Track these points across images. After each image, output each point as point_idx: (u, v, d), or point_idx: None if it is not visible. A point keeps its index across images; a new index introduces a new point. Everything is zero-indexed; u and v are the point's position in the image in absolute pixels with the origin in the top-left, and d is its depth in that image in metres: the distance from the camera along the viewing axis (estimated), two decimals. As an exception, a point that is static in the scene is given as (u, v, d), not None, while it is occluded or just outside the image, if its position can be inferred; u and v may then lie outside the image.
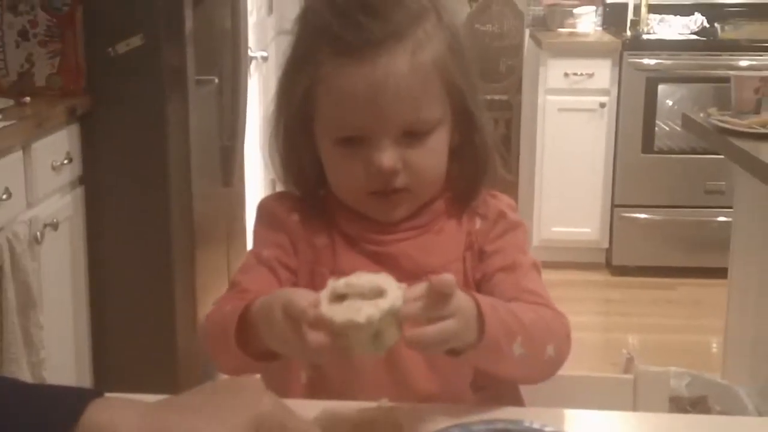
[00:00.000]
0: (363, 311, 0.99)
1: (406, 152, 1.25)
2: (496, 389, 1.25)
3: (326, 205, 1.34)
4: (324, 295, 1.02)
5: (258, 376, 1.20)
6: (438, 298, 1.02)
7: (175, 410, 0.86)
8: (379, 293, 1.01)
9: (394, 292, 1.01)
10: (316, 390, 1.25)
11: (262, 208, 1.37)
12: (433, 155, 1.28)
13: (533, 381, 1.23)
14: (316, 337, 1.00)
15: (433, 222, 1.32)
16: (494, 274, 1.28)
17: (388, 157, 1.24)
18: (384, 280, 1.03)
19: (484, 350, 1.10)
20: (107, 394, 0.87)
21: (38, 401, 0.85)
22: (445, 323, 1.02)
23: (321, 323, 1.00)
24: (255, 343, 1.12)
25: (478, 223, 1.33)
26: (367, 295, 1.01)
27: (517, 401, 1.27)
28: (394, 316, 1.00)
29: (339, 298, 1.01)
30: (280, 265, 1.29)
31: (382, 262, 1.27)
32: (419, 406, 1.14)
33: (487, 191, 1.35)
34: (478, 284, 1.30)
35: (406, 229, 1.31)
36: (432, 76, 1.25)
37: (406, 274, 1.14)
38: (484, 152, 1.32)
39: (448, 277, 1.04)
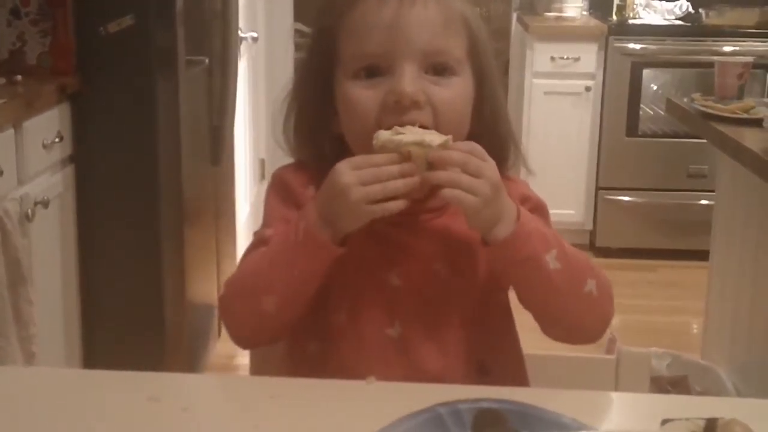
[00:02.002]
0: (427, 136, 1.12)
1: (430, 87, 1.20)
2: (502, 372, 1.25)
3: None
4: (382, 132, 1.14)
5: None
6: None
7: None
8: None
9: (447, 137, 1.14)
10: (322, 363, 1.24)
11: (277, 178, 1.33)
12: (458, 97, 1.22)
13: (574, 317, 1.20)
14: (388, 156, 1.10)
15: (447, 207, 1.25)
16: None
17: (410, 84, 1.18)
18: (434, 132, 1.15)
19: (517, 244, 1.14)
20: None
21: None
22: (463, 176, 1.11)
23: (389, 148, 1.10)
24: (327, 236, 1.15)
25: None
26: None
27: (524, 385, 1.27)
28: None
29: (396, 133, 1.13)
30: None
31: (399, 246, 1.23)
32: (409, 385, 1.15)
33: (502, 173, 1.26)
34: None
35: (422, 212, 1.25)
36: (459, 24, 1.23)
37: (424, 260, 1.19)
38: (500, 128, 1.29)
39: (478, 147, 1.13)
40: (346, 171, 1.12)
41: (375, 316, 1.22)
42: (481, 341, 1.25)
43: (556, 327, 1.24)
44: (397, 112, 1.18)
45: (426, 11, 1.20)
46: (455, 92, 1.22)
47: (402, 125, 1.17)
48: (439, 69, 1.21)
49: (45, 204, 2.59)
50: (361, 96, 1.21)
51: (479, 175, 1.12)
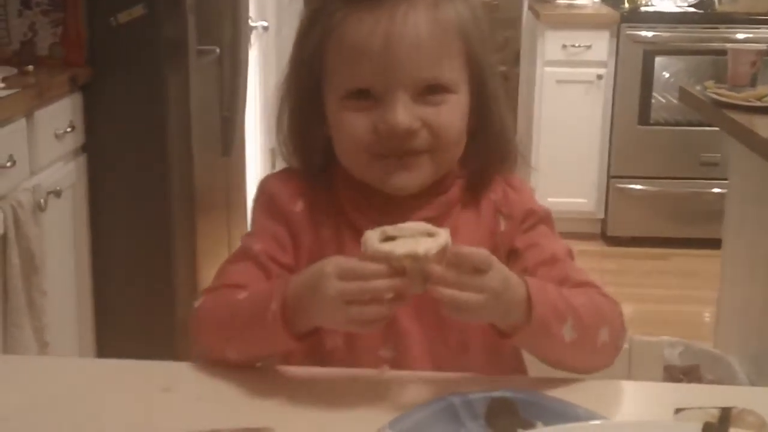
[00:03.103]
0: (421, 244, 1.01)
1: (424, 110, 1.15)
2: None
3: (334, 187, 1.24)
4: (372, 236, 1.03)
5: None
6: (470, 271, 1.02)
7: None
8: (428, 234, 1.03)
9: (443, 233, 1.03)
10: (313, 354, 1.20)
11: (264, 190, 1.27)
12: (455, 116, 1.18)
13: (587, 369, 1.16)
14: (378, 267, 1.00)
15: (447, 215, 1.22)
16: (536, 270, 1.20)
17: (403, 114, 1.13)
18: (425, 225, 1.05)
19: (533, 332, 1.08)
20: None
21: None
22: (464, 294, 1.01)
23: (379, 258, 1.01)
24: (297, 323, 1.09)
25: (502, 225, 1.24)
26: (417, 236, 1.03)
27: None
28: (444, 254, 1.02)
29: (388, 239, 1.03)
30: (269, 260, 1.21)
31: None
32: (423, 375, 1.15)
33: (504, 179, 1.26)
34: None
35: (418, 219, 1.16)
36: (453, 37, 1.17)
37: None
38: (502, 133, 1.24)
39: (484, 254, 1.03)
40: (331, 274, 1.03)
41: (370, 339, 1.18)
42: (479, 361, 1.21)
43: (567, 371, 1.20)
44: (390, 140, 1.14)
45: (418, 31, 1.14)
46: (451, 112, 1.17)
47: (397, 153, 1.13)
48: (432, 89, 1.16)
49: (57, 194, 2.60)
50: (352, 121, 1.16)
51: (482, 291, 1.02)
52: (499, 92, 1.24)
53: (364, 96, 1.16)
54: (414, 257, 1.01)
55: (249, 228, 1.29)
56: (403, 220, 1.14)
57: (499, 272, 1.05)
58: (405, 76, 1.14)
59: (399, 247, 1.02)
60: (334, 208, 1.23)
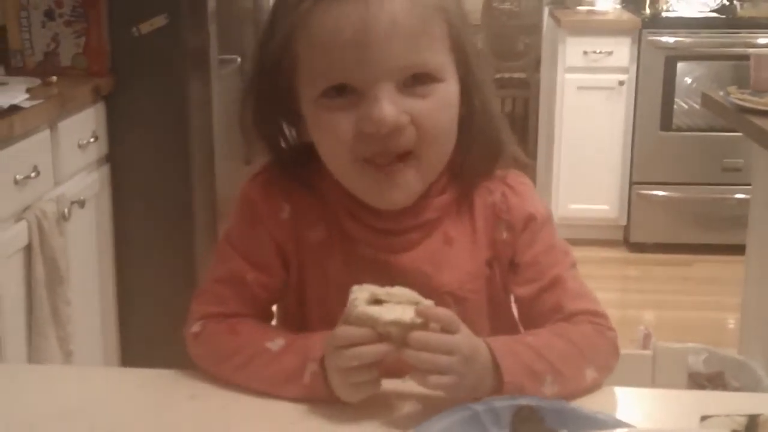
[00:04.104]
0: (407, 313, 1.00)
1: (410, 103, 1.05)
2: None
3: (321, 189, 1.16)
4: (360, 297, 1.02)
5: None
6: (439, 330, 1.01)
7: None
8: (414, 303, 1.02)
9: (427, 303, 1.03)
10: None
11: (246, 200, 1.18)
12: (443, 107, 1.07)
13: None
14: (361, 332, 0.99)
15: (440, 221, 1.16)
16: (533, 298, 1.17)
17: (389, 108, 1.02)
18: (413, 293, 1.04)
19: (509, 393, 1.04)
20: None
21: None
22: (435, 356, 1.00)
23: (365, 321, 0.99)
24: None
25: (503, 234, 1.18)
26: (403, 304, 1.02)
27: None
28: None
29: (376, 303, 1.02)
30: (261, 289, 1.18)
31: (388, 274, 1.12)
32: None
33: (501, 180, 1.19)
34: (514, 301, 1.21)
35: (412, 228, 1.15)
36: (434, 18, 1.06)
37: (413, 290, 1.05)
38: (491, 125, 1.15)
39: (451, 316, 1.01)
40: (329, 342, 1.04)
41: None
42: None
43: None
44: (376, 139, 1.04)
45: (395, 14, 1.02)
46: (439, 102, 1.07)
47: (384, 153, 1.05)
48: (418, 78, 1.06)
49: (81, 204, 2.61)
50: (332, 122, 1.06)
51: (451, 352, 1.00)
52: (486, 80, 1.15)
53: (342, 92, 1.05)
54: (400, 325, 1.00)
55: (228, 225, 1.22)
56: (398, 224, 1.12)
57: (467, 336, 1.03)
58: (386, 65, 1.03)
59: (386, 313, 1.00)
60: (322, 212, 1.16)
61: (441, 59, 1.08)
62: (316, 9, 1.04)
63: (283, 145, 1.17)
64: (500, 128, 1.17)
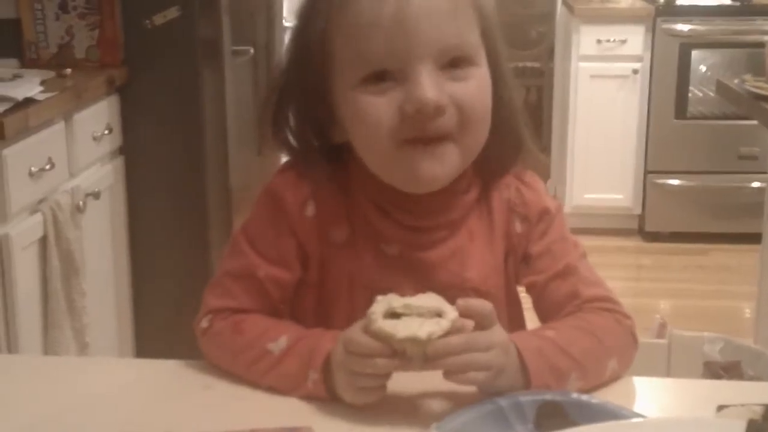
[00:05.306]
0: (424, 328, 0.98)
1: (450, 85, 1.06)
2: None
3: (349, 188, 1.16)
4: (377, 310, 1.01)
5: None
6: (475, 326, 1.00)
7: None
8: (437, 314, 1.01)
9: (451, 313, 1.01)
10: None
11: (272, 192, 1.17)
12: (481, 90, 1.09)
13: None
14: (378, 346, 0.99)
15: (465, 218, 1.17)
16: (547, 284, 1.17)
17: (431, 88, 1.03)
18: (439, 300, 1.02)
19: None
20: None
21: None
22: (473, 355, 0.99)
23: (381, 336, 0.99)
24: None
25: (518, 227, 1.19)
26: (424, 315, 1.00)
27: None
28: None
29: (394, 315, 1.01)
30: (274, 286, 1.17)
31: (415, 271, 1.13)
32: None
33: (515, 174, 1.20)
34: (528, 290, 1.21)
35: (440, 225, 1.16)
36: (467, 5, 1.08)
37: (440, 288, 1.06)
38: (516, 119, 1.16)
39: (488, 307, 1.01)
40: (340, 342, 1.04)
41: None
42: None
43: None
44: (418, 121, 1.04)
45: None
46: (478, 85, 1.08)
47: (425, 136, 1.05)
48: (456, 62, 1.06)
49: (96, 195, 2.62)
50: (372, 105, 1.06)
51: (489, 348, 1.00)
52: (510, 77, 1.16)
53: (382, 79, 1.06)
54: (415, 341, 0.99)
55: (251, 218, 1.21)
56: (427, 221, 1.12)
57: (501, 330, 1.03)
58: (426, 47, 1.04)
59: (401, 330, 0.99)
60: (349, 211, 1.16)
61: (475, 42, 1.09)
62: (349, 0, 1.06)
63: (314, 142, 1.16)
64: (520, 125, 1.18)
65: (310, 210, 1.16)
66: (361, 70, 1.06)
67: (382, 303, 1.02)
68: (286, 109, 1.16)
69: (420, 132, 1.05)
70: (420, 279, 1.05)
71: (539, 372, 1.04)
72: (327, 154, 1.16)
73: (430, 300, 1.02)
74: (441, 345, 0.98)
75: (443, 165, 1.08)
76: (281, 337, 1.11)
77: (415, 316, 1.00)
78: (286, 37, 3.85)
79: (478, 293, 1.14)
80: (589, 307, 1.15)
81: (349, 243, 1.16)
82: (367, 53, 1.05)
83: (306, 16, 1.12)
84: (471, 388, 1.03)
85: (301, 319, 1.18)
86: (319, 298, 1.20)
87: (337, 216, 1.16)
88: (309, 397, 1.08)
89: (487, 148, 1.13)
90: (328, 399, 1.06)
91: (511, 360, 1.03)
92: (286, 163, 1.21)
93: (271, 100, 1.17)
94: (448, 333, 0.99)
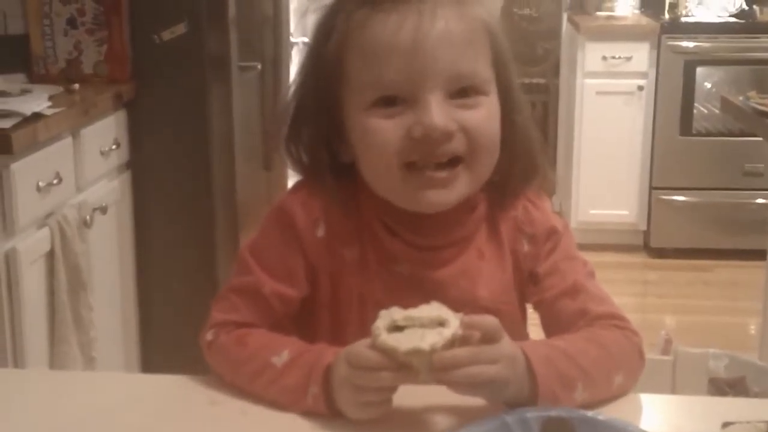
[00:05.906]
0: (427, 339, 0.98)
1: (459, 113, 1.08)
2: None
3: (359, 207, 1.17)
4: (380, 325, 1.01)
5: None
6: (483, 340, 0.99)
7: None
8: (439, 323, 1.00)
9: (453, 320, 1.00)
10: None
11: (283, 212, 1.18)
12: (489, 119, 1.10)
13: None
14: (383, 359, 0.98)
15: (473, 237, 1.18)
16: (556, 302, 1.18)
17: (439, 114, 1.05)
18: (441, 309, 1.02)
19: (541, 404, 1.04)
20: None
21: None
22: (479, 367, 0.98)
23: (385, 351, 0.98)
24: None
25: (525, 246, 1.20)
26: (427, 326, 1.00)
27: None
28: (453, 345, 0.99)
29: (397, 328, 1.00)
30: (279, 302, 1.17)
31: (425, 290, 1.12)
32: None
33: (525, 196, 1.21)
34: (536, 308, 1.21)
35: (449, 244, 1.17)
36: (481, 34, 1.11)
37: (452, 307, 1.04)
38: (528, 146, 1.18)
39: (492, 323, 1.00)
40: (343, 358, 1.04)
41: None
42: None
43: None
44: (425, 145, 1.06)
45: (449, 25, 1.07)
46: (486, 113, 1.10)
47: (433, 161, 1.07)
48: (465, 91, 1.09)
49: (103, 210, 2.63)
50: (380, 128, 1.07)
51: (496, 361, 1.00)
52: (523, 102, 1.18)
53: (392, 103, 1.08)
54: (419, 353, 0.98)
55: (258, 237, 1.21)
56: (437, 240, 1.13)
57: (509, 343, 1.02)
58: (438, 74, 1.06)
59: (404, 343, 0.99)
60: (358, 231, 1.17)
61: (486, 72, 1.11)
62: (370, 20, 1.08)
63: (325, 159, 1.17)
64: (536, 153, 1.19)
65: (320, 231, 1.17)
66: (374, 93, 1.08)
67: (384, 317, 1.02)
68: (299, 125, 1.17)
69: (427, 156, 1.07)
70: (431, 298, 1.04)
71: (547, 379, 1.04)
72: (337, 171, 1.17)
73: (431, 309, 1.02)
74: (448, 357, 0.98)
75: (450, 192, 1.10)
76: (284, 351, 1.12)
77: (417, 327, 1.00)
78: (294, 53, 3.87)
79: (490, 311, 1.13)
80: (599, 323, 1.15)
81: (359, 263, 1.17)
82: (382, 77, 1.07)
83: (323, 34, 1.13)
84: (476, 402, 1.03)
85: (315, 339, 1.17)
86: (331, 317, 1.20)
87: (348, 236, 1.17)
88: (309, 412, 1.08)
89: (499, 172, 1.15)
90: (328, 414, 1.06)
91: (518, 372, 1.03)
92: (298, 182, 1.22)
93: (285, 115, 1.18)
94: (451, 341, 0.99)
